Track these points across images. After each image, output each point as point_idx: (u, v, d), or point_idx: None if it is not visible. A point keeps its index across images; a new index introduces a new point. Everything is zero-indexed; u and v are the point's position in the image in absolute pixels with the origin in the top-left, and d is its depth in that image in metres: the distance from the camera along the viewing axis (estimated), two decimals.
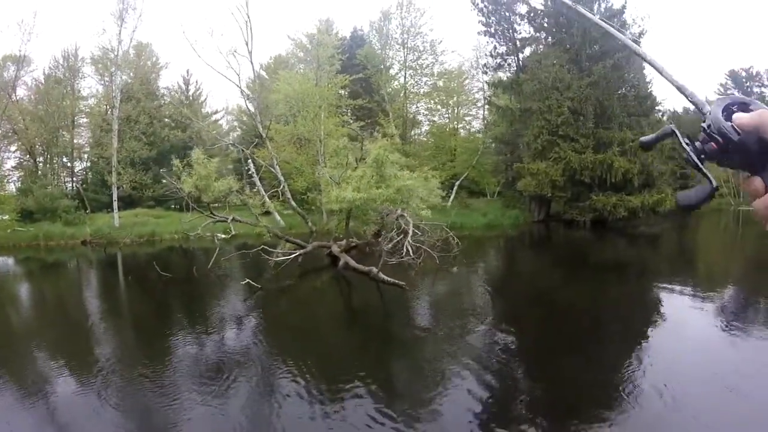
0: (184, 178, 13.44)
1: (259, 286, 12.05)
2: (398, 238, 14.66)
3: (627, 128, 26.31)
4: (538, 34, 31.08)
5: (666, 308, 9.78)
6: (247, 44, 25.19)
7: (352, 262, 13.67)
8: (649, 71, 28.65)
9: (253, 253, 14.42)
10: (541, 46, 30.42)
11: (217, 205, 16.23)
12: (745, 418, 4.90)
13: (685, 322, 8.45)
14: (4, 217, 30.19)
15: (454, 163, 36.87)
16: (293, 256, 14.35)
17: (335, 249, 15.08)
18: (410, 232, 14.74)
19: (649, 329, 8.29)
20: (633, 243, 22.72)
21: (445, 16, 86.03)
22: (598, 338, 7.99)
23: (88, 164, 39.29)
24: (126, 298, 13.72)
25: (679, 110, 59.08)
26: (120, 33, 28.07)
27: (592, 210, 26.35)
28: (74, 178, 39.50)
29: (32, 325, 10.87)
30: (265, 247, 14.47)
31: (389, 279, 11.39)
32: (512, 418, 5.19)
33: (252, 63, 25.99)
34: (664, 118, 54.84)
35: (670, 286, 11.54)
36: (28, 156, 36.95)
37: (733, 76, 52.13)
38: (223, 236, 20.46)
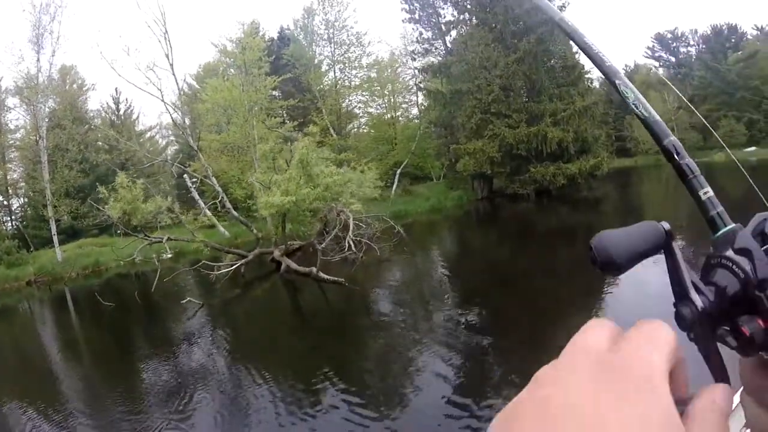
0: (111, 203, 13.23)
1: (201, 303, 12.00)
2: (341, 234, 14.91)
3: (557, 99, 27.11)
4: (462, 17, 31.56)
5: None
6: (167, 57, 24.67)
7: (293, 265, 13.74)
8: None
9: (196, 269, 14.31)
10: (465, 28, 30.88)
11: (160, 224, 16.02)
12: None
13: (643, 274, 8.49)
14: None
15: (394, 152, 36.98)
16: (234, 267, 14.31)
17: (276, 254, 15.09)
18: (351, 227, 14.97)
19: (609, 285, 8.25)
20: (577, 208, 23.48)
21: (370, 6, 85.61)
22: (558, 300, 8.10)
23: (25, 200, 37.83)
24: (74, 333, 13.50)
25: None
26: (38, 59, 27.11)
27: (532, 182, 27.05)
28: (12, 217, 37.95)
29: None
30: (206, 262, 14.34)
31: (329, 277, 11.55)
32: (486, 393, 5.30)
33: (174, 75, 25.39)
34: (597, 85, 56.79)
35: None
36: None
37: (660, 38, 54.06)
38: (168, 256, 20.27)
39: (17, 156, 36.49)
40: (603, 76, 1.06)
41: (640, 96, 1.01)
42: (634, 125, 49.30)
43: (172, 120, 26.85)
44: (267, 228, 17.37)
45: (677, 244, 0.54)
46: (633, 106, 1.03)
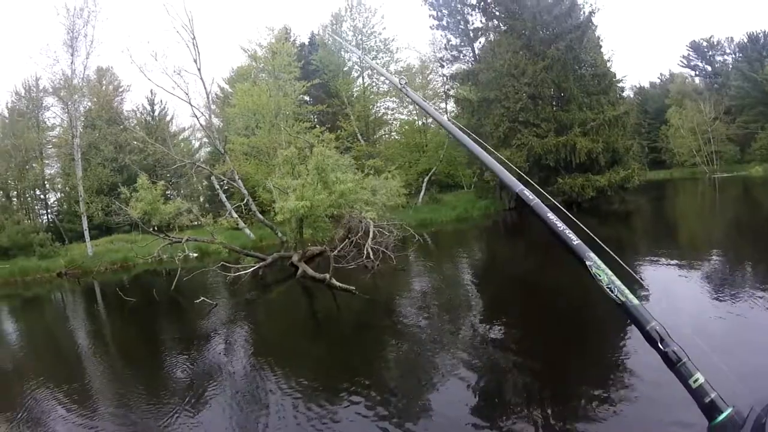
0: (131, 203, 13.60)
1: (214, 303, 12.16)
2: (361, 242, 14.98)
3: (587, 108, 26.60)
4: (490, 23, 31.28)
5: (651, 281, 9.30)
6: (195, 62, 25.19)
7: (309, 270, 13.81)
8: (606, 48, 29.06)
9: (217, 270, 14.62)
10: (494, 35, 30.61)
11: (188, 225, 16.48)
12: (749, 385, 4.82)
13: (673, 294, 8.15)
14: None
15: (423, 160, 36.86)
16: (251, 269, 14.51)
17: (295, 258, 15.21)
18: (371, 234, 15.01)
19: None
20: (607, 221, 22.64)
21: (398, 13, 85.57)
22: (584, 317, 7.80)
23: (61, 195, 39.22)
24: (95, 324, 13.92)
25: (645, 85, 59.61)
26: (73, 62, 28.09)
27: (560, 193, 26.47)
28: (48, 210, 39.37)
29: (9, 358, 11.01)
30: (225, 264, 14.64)
31: (341, 285, 11.55)
32: (509, 405, 5.14)
33: (202, 79, 25.91)
34: (630, 94, 55.53)
35: (654, 259, 11.39)
36: (0, 192, 36.82)
37: (695, 47, 52.62)
38: (195, 256, 20.75)
39: (54, 152, 37.82)
40: (572, 255, 0.95)
41: (615, 279, 1.03)
42: (670, 136, 48.13)
43: (199, 123, 27.38)
44: (290, 232, 17.50)
45: None
46: (608, 290, 0.99)
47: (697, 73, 54.68)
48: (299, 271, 14.25)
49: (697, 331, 5.99)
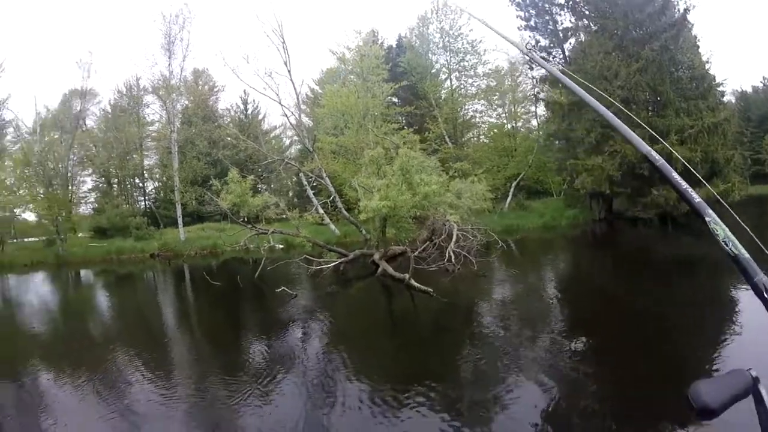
0: (222, 195, 14.34)
1: (294, 294, 12.51)
2: (444, 244, 14.93)
3: (684, 114, 24.87)
4: (580, 23, 29.93)
5: (747, 309, 8.12)
6: (285, 64, 26.11)
7: (389, 269, 13.88)
8: (704, 49, 27.14)
9: (298, 263, 15.16)
10: (584, 36, 29.31)
11: (276, 217, 17.21)
12: None
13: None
14: (80, 235, 33.13)
15: (511, 164, 36.11)
16: (333, 264, 14.85)
17: (376, 257, 15.38)
18: (454, 237, 14.92)
19: (731, 335, 7.23)
20: (702, 239, 20.34)
21: (486, 14, 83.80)
22: (671, 345, 7.15)
23: (159, 184, 42.06)
24: (179, 302, 15.22)
25: (747, 89, 55.02)
26: (170, 64, 30.21)
27: (654, 205, 24.96)
28: (146, 197, 42.33)
29: (103, 327, 12.30)
30: (308, 257, 15.12)
31: (419, 286, 11.48)
32: (575, 422, 4.97)
33: (292, 81, 26.90)
34: (731, 99, 51.46)
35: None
36: (102, 179, 40.10)
37: None
38: (280, 247, 21.58)
39: (153, 145, 40.69)
40: (693, 211, 1.06)
41: (730, 234, 1.08)
42: None
43: (289, 122, 28.37)
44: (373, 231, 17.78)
45: (765, 390, 0.63)
46: (723, 243, 1.08)
47: None
48: (379, 269, 14.37)
49: None
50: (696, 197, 1.07)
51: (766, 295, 0.92)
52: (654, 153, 1.32)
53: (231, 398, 6.01)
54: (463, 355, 7.36)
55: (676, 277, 12.56)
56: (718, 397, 0.65)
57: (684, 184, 1.10)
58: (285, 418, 5.37)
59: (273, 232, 15.61)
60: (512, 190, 33.20)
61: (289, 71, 26.29)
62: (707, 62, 28.04)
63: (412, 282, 11.77)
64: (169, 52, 30.85)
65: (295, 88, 27.20)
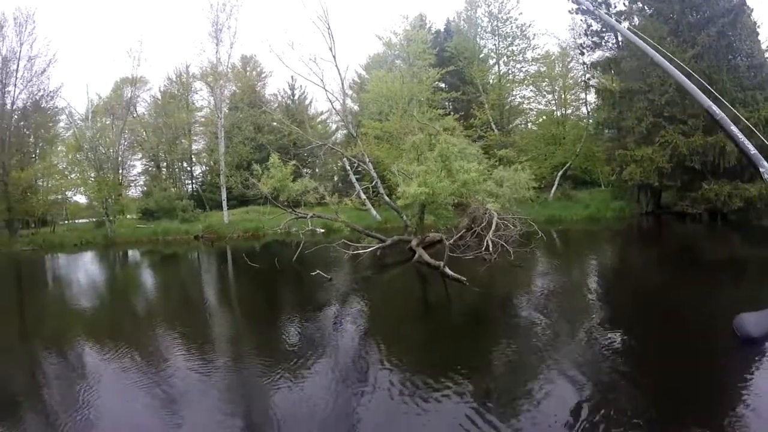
0: (263, 180, 14.61)
1: (329, 277, 12.69)
2: (482, 233, 14.74)
3: (740, 104, 23.53)
4: (634, 6, 28.69)
5: None
6: (330, 50, 26.18)
7: (425, 256, 13.84)
8: (764, 36, 25.60)
9: (335, 247, 15.34)
10: (638, 19, 28.09)
11: (317, 202, 17.50)
12: None
13: None
14: (129, 217, 34.51)
15: (559, 153, 35.19)
16: (369, 249, 14.93)
17: (413, 243, 15.36)
18: (493, 226, 14.70)
19: None
20: (753, 238, 19.37)
21: None
22: (713, 348, 6.79)
23: (206, 168, 43.22)
24: (220, 282, 15.81)
25: None
26: (218, 51, 30.89)
27: (704, 200, 23.80)
28: (193, 181, 43.58)
29: (142, 304, 12.93)
30: (346, 241, 15.25)
31: (453, 274, 11.38)
32: (610, 422, 4.76)
33: (337, 67, 26.87)
34: None
35: None
36: (152, 163, 41.54)
37: None
38: (321, 231, 21.87)
39: (201, 130, 41.78)
40: (748, 162, 1.00)
41: None
42: None
43: (333, 107, 28.54)
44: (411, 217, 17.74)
45: None
46: None
47: None
48: (416, 256, 14.37)
49: None
50: (752, 149, 1.00)
51: None
52: (714, 107, 1.26)
53: (264, 376, 6.20)
54: (494, 346, 7.25)
55: (723, 277, 11.87)
56: (761, 327, 0.67)
57: (741, 136, 1.04)
58: (316, 397, 5.48)
59: (312, 217, 15.80)
60: (558, 179, 32.34)
61: (334, 57, 26.38)
62: (767, 50, 26.34)
63: (447, 270, 11.70)
64: (216, 39, 31.61)
65: (339, 74, 27.25)
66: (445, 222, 14.33)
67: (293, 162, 15.48)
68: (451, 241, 12.94)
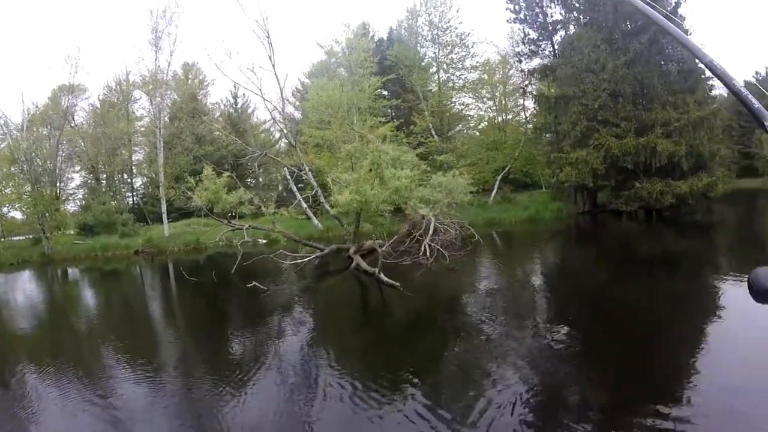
0: (197, 192, 14.31)
1: (266, 289, 12.52)
2: (420, 238, 14.89)
3: (671, 107, 24.73)
4: (570, 16, 29.82)
5: (732, 303, 8.23)
6: (270, 58, 25.94)
7: (363, 264, 13.90)
8: (695, 42, 26.88)
9: (273, 258, 15.11)
10: (574, 28, 29.16)
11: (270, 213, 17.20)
12: None
13: (759, 318, 7.01)
14: (68, 232, 33.05)
15: (498, 157, 35.94)
16: (307, 259, 14.83)
17: (351, 251, 15.35)
18: (430, 231, 14.90)
19: (715, 326, 7.30)
20: (686, 233, 20.75)
21: (475, 6, 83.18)
22: (654, 335, 7.19)
23: (147, 179, 41.93)
24: (155, 297, 15.40)
25: (740, 83, 54.75)
26: (157, 59, 30.03)
27: (637, 198, 24.92)
28: (134, 193, 42.19)
29: (82, 323, 12.27)
30: (284, 251, 15.09)
31: (387, 280, 11.49)
32: (565, 415, 4.87)
33: (276, 76, 26.65)
34: (724, 93, 51.03)
35: (737, 279, 10.03)
36: (91, 175, 39.96)
37: None
38: (263, 242, 21.53)
39: (142, 140, 40.53)
40: (752, 117, 1.03)
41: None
42: (764, 141, 43.99)
43: (271, 116, 28.27)
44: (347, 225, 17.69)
45: None
46: None
47: None
48: (353, 264, 14.37)
49: None
50: (755, 103, 1.02)
51: None
52: (716, 62, 1.30)
53: (209, 391, 6.09)
54: (433, 348, 7.36)
55: (658, 271, 12.51)
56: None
57: (744, 91, 1.06)
58: (264, 409, 5.46)
59: (248, 228, 15.58)
60: (497, 183, 33.04)
61: (273, 65, 26.14)
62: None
63: (381, 276, 11.78)
64: (155, 47, 30.69)
65: (279, 83, 26.99)
66: (381, 229, 14.36)
67: (227, 173, 15.23)
68: (384, 248, 13.02)
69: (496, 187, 32.91)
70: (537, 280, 12.94)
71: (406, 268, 13.15)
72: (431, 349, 7.34)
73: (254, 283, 12.57)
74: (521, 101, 39.02)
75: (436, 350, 7.25)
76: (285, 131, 26.82)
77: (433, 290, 12.03)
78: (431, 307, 10.54)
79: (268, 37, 25.86)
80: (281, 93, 27.42)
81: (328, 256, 16.19)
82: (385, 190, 12.44)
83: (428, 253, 13.90)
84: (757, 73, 56.02)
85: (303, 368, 6.84)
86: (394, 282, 11.24)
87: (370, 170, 12.67)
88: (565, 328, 7.76)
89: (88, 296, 17.14)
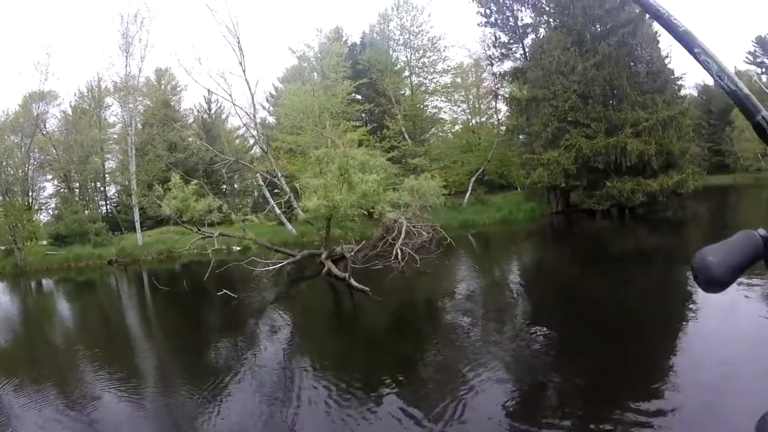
0: (164, 200, 14.18)
1: (236, 296, 12.42)
2: (393, 242, 14.98)
3: (640, 107, 25.20)
4: (540, 19, 30.19)
5: (704, 297, 8.15)
6: (240, 64, 25.87)
7: (334, 269, 13.89)
8: (665, 44, 27.49)
9: (243, 265, 14.97)
10: (544, 31, 29.55)
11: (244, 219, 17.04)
12: None
13: (730, 311, 7.30)
14: (42, 243, 32.36)
15: (472, 159, 36.07)
16: (279, 265, 14.75)
17: (323, 256, 15.31)
18: (402, 235, 14.98)
19: (688, 320, 7.46)
20: (658, 229, 21.24)
21: (447, 10, 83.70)
22: (630, 331, 7.27)
23: (120, 188, 41.24)
24: (119, 309, 15.16)
25: (710, 83, 55.90)
26: (128, 64, 29.57)
27: (608, 197, 25.33)
28: (107, 202, 41.48)
29: (55, 335, 12.28)
30: (255, 258, 14.97)
31: (357, 285, 11.54)
32: (544, 412, 4.94)
33: (247, 81, 26.61)
34: (694, 93, 52.24)
35: None
36: (64, 183, 39.18)
37: (761, 42, 48.57)
38: (237, 249, 21.35)
39: (116, 148, 39.86)
40: (678, 43, 0.92)
41: (726, 67, 0.94)
42: (734, 138, 45.14)
43: (242, 122, 28.15)
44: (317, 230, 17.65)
45: None
46: (717, 78, 0.93)
47: (764, 70, 50.33)
48: (325, 269, 14.35)
49: None
50: (681, 25, 0.92)
51: None
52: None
53: (186, 400, 6.17)
54: (408, 351, 7.42)
55: (632, 267, 12.75)
56: (724, 265, 0.57)
57: (664, 11, 0.95)
58: (242, 416, 5.46)
59: (218, 235, 15.43)
60: (471, 184, 33.24)
61: (243, 71, 26.06)
62: (667, 57, 28.36)
63: (352, 281, 11.82)
64: (126, 52, 30.23)
65: (250, 88, 26.90)
66: (352, 234, 14.37)
67: (195, 181, 15.10)
68: (353, 253, 13.06)
69: (469, 189, 33.05)
70: (509, 281, 13.10)
71: (378, 272, 13.21)
72: (403, 352, 7.43)
73: (225, 291, 12.47)
74: (492, 104, 39.29)
75: (407, 353, 7.34)
76: (256, 137, 26.68)
77: (403, 294, 12.12)
78: (401, 311, 10.64)
79: (239, 42, 25.79)
80: (252, 99, 27.35)
81: (303, 261, 16.11)
82: (353, 195, 12.46)
83: (399, 257, 13.99)
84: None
85: (272, 375, 6.88)
86: (363, 287, 11.29)
87: (340, 175, 12.67)
88: (539, 327, 7.89)
89: (62, 308, 16.92)
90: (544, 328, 7.73)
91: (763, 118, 0.85)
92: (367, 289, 11.13)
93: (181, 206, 14.12)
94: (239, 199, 41.16)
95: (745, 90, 0.88)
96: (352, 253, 13.01)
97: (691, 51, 0.92)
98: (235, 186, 40.30)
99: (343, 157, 12.59)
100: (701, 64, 0.92)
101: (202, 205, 14.35)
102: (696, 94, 54.38)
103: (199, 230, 15.27)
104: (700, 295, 8.35)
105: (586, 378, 5.64)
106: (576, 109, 25.68)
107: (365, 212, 14.26)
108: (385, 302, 10.87)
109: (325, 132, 25.09)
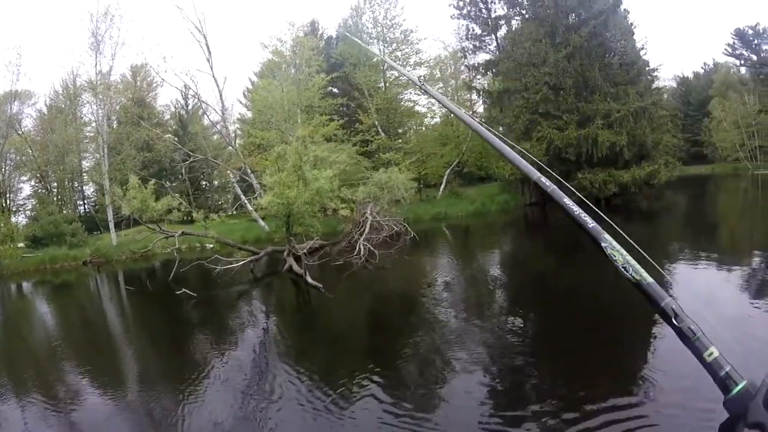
0: (124, 201, 14.20)
1: (195, 295, 12.46)
2: (358, 237, 15.07)
3: (612, 99, 25.28)
4: (513, 11, 30.20)
5: (684, 284, 8.37)
6: (208, 61, 25.75)
7: (295, 266, 13.92)
8: (640, 36, 27.49)
9: (208, 263, 14.98)
10: (517, 23, 29.57)
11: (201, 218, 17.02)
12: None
13: (710, 297, 7.41)
14: (19, 245, 32.10)
15: (446, 153, 35.93)
16: (242, 263, 14.77)
17: (285, 253, 15.34)
18: (366, 230, 15.06)
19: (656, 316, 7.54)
20: (631, 220, 20.93)
21: (424, 3, 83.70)
22: (604, 320, 7.37)
23: (98, 187, 40.90)
24: (85, 310, 15.13)
25: (689, 75, 56.31)
26: (98, 62, 29.28)
27: (580, 189, 25.27)
28: (85, 201, 41.18)
29: (27, 340, 11.94)
30: (218, 256, 14.98)
31: (312, 282, 11.66)
32: (524, 402, 4.99)
33: (215, 78, 26.50)
34: (673, 84, 52.57)
35: (690, 261, 10.55)
36: (41, 184, 38.83)
37: (740, 34, 48.83)
38: (210, 247, 21.29)
39: (92, 146, 39.50)
40: (588, 238, 1.01)
41: (630, 258, 1.04)
42: (712, 129, 45.52)
43: (209, 119, 28.03)
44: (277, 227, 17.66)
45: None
46: (623, 270, 1.03)
47: (743, 62, 50.60)
48: (286, 266, 14.39)
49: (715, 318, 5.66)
50: (590, 222, 1.00)
51: (675, 321, 0.89)
52: (544, 179, 1.30)
53: (159, 400, 6.23)
54: (378, 345, 7.63)
55: (603, 257, 12.69)
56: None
57: (577, 210, 1.03)
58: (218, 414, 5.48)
59: (180, 234, 15.42)
60: (445, 177, 33.19)
61: (211, 68, 25.94)
62: (642, 48, 28.39)
63: (307, 278, 11.88)
64: (96, 51, 29.93)
65: (217, 85, 26.80)
66: (313, 230, 14.36)
67: (153, 181, 15.06)
68: (306, 250, 13.21)
69: (444, 181, 32.99)
70: (476, 273, 13.19)
71: (341, 268, 13.29)
72: (362, 346, 7.67)
73: (184, 290, 12.51)
74: (467, 96, 39.21)
75: (368, 347, 7.56)
76: (223, 133, 26.58)
77: (359, 290, 12.22)
78: (354, 307, 10.76)
79: (206, 39, 25.64)
80: (220, 95, 27.20)
81: (273, 257, 16.15)
82: (307, 191, 12.47)
83: (361, 252, 14.06)
84: (705, 64, 57.43)
85: (245, 373, 6.94)
86: (317, 284, 11.37)
87: (294, 172, 12.67)
88: (512, 318, 8.13)
89: (40, 311, 16.62)
90: (518, 319, 7.94)
91: (667, 304, 0.92)
92: (320, 286, 11.21)
93: (140, 206, 14.10)
94: (219, 196, 41.00)
95: (649, 279, 0.96)
96: (305, 250, 13.03)
97: (598, 244, 1.04)
98: (215, 182, 40.09)
99: (296, 154, 12.57)
100: (608, 257, 1.04)
101: (161, 204, 14.33)
102: (675, 86, 54.77)
103: (161, 229, 15.27)
104: (675, 284, 8.26)
105: (562, 367, 5.73)
106: (547, 100, 25.71)
107: (317, 209, 14.18)
108: (327, 299, 10.89)
109: (289, 128, 24.98)
